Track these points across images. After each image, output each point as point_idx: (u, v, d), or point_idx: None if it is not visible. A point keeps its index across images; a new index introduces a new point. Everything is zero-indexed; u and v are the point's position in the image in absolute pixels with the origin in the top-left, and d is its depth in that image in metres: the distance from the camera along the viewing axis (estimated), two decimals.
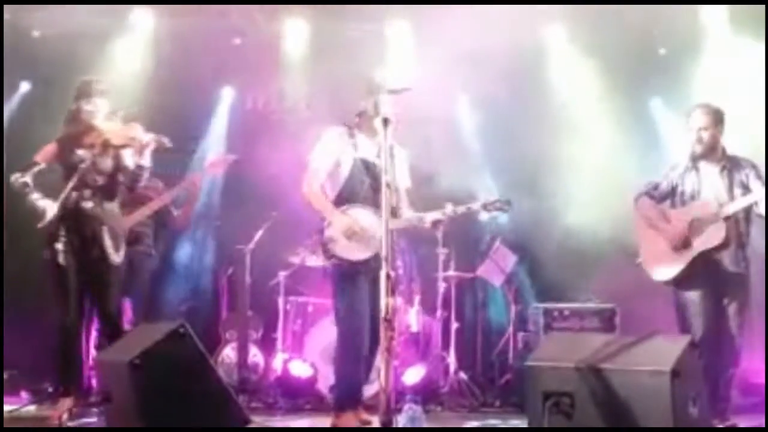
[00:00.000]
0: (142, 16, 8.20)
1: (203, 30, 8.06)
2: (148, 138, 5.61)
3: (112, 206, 5.70)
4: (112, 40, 8.25)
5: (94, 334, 6.70)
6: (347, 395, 5.32)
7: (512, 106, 8.09)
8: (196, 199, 6.95)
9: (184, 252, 8.58)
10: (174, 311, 7.92)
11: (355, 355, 5.31)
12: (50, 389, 6.58)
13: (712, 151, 5.58)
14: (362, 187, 5.37)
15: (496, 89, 7.90)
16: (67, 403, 5.47)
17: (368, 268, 5.19)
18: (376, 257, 5.02)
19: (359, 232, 5.22)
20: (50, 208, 5.42)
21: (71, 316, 5.55)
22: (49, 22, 8.19)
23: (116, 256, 5.59)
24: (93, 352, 6.62)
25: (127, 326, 6.59)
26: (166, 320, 6.53)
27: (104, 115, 5.68)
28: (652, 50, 8.43)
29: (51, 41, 8.16)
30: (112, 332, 5.59)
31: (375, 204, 5.19)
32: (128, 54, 8.24)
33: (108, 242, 5.55)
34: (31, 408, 5.96)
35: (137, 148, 5.61)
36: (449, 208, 5.35)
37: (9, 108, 8.43)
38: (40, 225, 5.45)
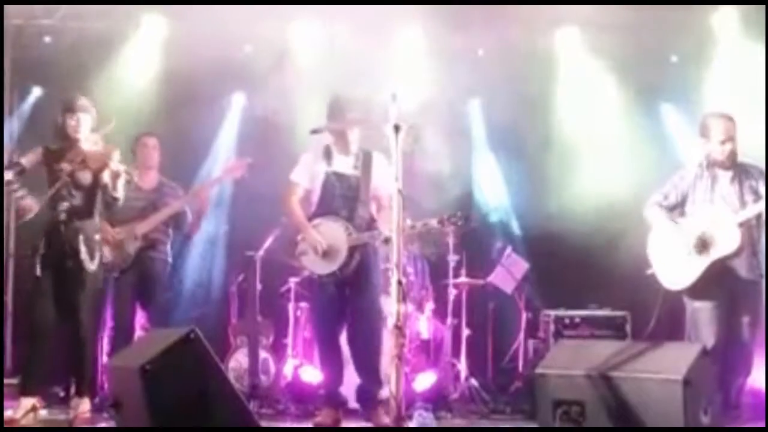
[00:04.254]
0: (153, 21, 8.20)
1: (214, 36, 8.07)
2: (121, 168, 5.76)
3: (91, 221, 5.83)
4: (123, 45, 8.27)
5: (105, 341, 6.76)
6: (328, 394, 5.86)
7: (522, 112, 8.07)
8: (203, 210, 6.95)
9: (194, 258, 8.58)
10: (185, 317, 7.92)
11: (330, 354, 5.84)
12: (61, 394, 6.61)
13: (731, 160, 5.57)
14: (334, 200, 5.74)
15: (507, 94, 7.90)
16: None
17: (335, 279, 5.67)
18: (341, 268, 5.63)
19: (326, 249, 5.62)
20: (34, 207, 5.67)
21: (44, 321, 5.72)
22: (61, 28, 8.22)
23: (91, 264, 5.73)
24: (105, 358, 6.66)
25: (140, 332, 6.63)
26: (176, 326, 6.56)
27: (87, 131, 5.84)
28: (664, 57, 8.42)
29: (62, 47, 8.20)
30: (79, 336, 5.76)
31: (348, 214, 5.66)
32: (139, 59, 8.25)
33: (83, 250, 5.69)
34: (43, 412, 5.97)
35: (111, 174, 5.75)
36: (407, 224, 5.46)
37: (21, 113, 8.46)
38: (20, 221, 5.94)
